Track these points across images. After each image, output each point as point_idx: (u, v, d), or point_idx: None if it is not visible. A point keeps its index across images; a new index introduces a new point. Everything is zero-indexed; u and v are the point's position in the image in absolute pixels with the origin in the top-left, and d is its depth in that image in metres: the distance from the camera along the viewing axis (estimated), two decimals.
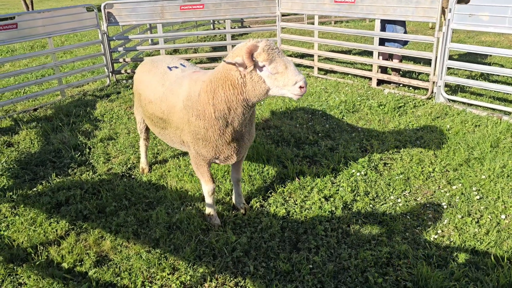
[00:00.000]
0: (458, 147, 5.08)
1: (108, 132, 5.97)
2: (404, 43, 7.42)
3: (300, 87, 2.89)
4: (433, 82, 6.67)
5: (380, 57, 7.53)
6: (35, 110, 7.12)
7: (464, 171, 4.61)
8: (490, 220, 3.78)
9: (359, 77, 8.13)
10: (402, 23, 7.22)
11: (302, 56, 9.71)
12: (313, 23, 8.96)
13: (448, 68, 6.52)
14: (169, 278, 3.19)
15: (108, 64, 8.70)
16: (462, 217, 3.83)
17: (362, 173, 4.59)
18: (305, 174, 4.56)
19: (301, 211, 3.94)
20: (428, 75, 6.93)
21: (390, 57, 7.64)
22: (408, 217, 3.88)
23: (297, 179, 4.48)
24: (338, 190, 4.28)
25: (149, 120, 4.10)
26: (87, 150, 5.43)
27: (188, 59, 9.28)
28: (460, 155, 4.89)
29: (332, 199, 4.13)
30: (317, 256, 3.36)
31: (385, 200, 4.15)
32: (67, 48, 10.00)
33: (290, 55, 9.80)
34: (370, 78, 7.78)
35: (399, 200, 4.11)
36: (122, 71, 9.08)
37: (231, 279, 3.17)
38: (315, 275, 3.17)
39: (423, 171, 4.65)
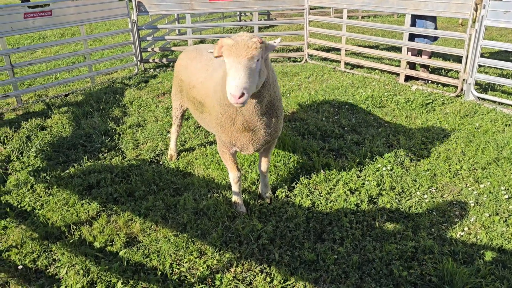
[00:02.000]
0: (487, 145, 5.01)
1: (136, 119, 6.11)
2: (434, 39, 7.31)
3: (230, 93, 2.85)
4: (463, 80, 6.56)
5: (409, 53, 7.44)
6: (66, 95, 7.32)
7: (493, 170, 4.55)
8: None
9: (387, 72, 8.05)
10: (433, 19, 7.11)
11: (329, 50, 9.67)
12: (339, 17, 8.90)
13: (479, 66, 6.38)
14: (196, 262, 3.28)
15: (136, 53, 8.86)
16: (490, 215, 3.80)
17: (388, 168, 4.58)
18: (331, 167, 4.58)
19: (326, 203, 3.97)
20: (458, 72, 6.81)
21: (419, 53, 7.53)
22: (434, 213, 3.87)
23: (322, 171, 4.50)
24: (363, 184, 4.29)
25: (192, 104, 4.20)
26: (117, 136, 5.58)
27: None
28: (489, 154, 4.82)
29: (357, 192, 4.15)
30: (342, 247, 3.39)
31: (411, 195, 4.14)
32: (97, 36, 10.21)
33: (316, 49, 9.76)
34: (397, 74, 7.70)
35: (425, 196, 4.10)
36: (150, 60, 9.22)
37: (257, 265, 3.23)
38: (340, 265, 3.21)
39: (450, 168, 4.61)
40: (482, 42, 6.14)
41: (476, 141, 5.14)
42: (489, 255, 3.30)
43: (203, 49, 4.29)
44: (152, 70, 8.92)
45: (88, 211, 3.95)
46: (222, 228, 3.62)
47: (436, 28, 7.23)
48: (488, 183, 4.31)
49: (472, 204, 3.98)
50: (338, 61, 8.68)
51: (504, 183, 4.30)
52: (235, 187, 3.86)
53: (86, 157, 4.96)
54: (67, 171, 4.68)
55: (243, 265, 3.24)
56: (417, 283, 3.04)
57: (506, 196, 4.08)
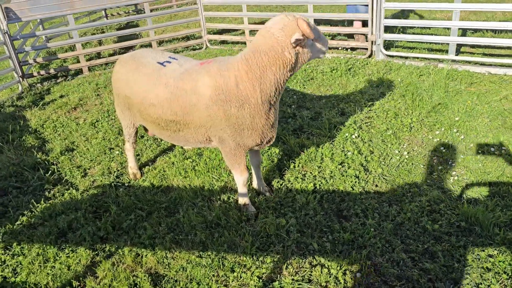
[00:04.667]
0: (420, 97, 5.56)
1: (63, 143, 5.27)
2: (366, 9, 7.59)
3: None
4: (372, 42, 7.12)
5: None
6: None
7: (437, 117, 5.08)
8: (484, 152, 4.27)
9: None
10: None
11: (229, 31, 9.54)
12: None
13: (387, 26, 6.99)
14: (243, 277, 3.03)
15: (16, 67, 7.55)
16: (463, 156, 4.26)
17: (356, 135, 4.79)
18: (307, 146, 4.60)
19: (326, 181, 3.99)
20: (366, 35, 7.35)
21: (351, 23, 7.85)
22: (421, 166, 4.19)
23: (302, 152, 4.49)
24: (346, 154, 4.42)
25: (153, 125, 3.67)
26: (53, 167, 4.74)
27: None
28: (426, 104, 5.36)
29: (346, 164, 4.25)
30: (368, 219, 3.46)
31: (390, 156, 4.40)
32: None
33: (215, 33, 9.55)
34: None
35: (405, 154, 4.40)
36: (35, 74, 7.97)
37: (303, 260, 3.12)
38: (379, 236, 3.28)
39: (403, 123, 5.00)
40: (385, 5, 6.70)
41: (409, 94, 5.66)
42: (485, 190, 3.71)
43: (143, 58, 3.72)
44: (39, 85, 7.73)
45: (80, 260, 3.32)
46: (248, 234, 3.39)
47: None
48: (443, 128, 4.81)
49: (443, 150, 4.41)
50: (244, 43, 8.63)
51: (452, 125, 4.84)
52: (243, 189, 3.63)
53: (32, 200, 4.12)
54: (18, 222, 3.84)
55: (291, 264, 3.10)
56: (451, 231, 3.28)
57: (462, 137, 4.61)
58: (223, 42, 9.22)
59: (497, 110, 5.06)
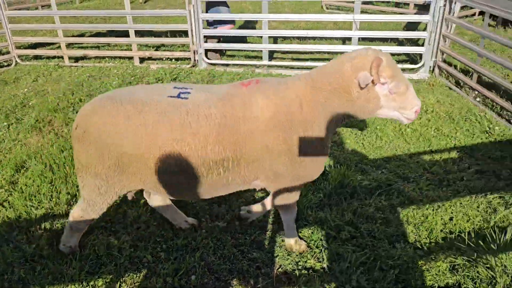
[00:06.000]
0: None
1: None
2: (232, 22, 7.67)
3: (416, 111, 2.74)
4: (194, 51, 7.37)
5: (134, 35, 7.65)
6: None
7: None
8: None
9: (119, 58, 8.04)
10: (225, 3, 7.45)
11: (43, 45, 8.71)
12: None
13: (205, 36, 7.30)
14: None
15: None
16: None
17: None
18: None
19: None
20: (188, 45, 7.55)
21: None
22: None
23: None
24: None
25: (178, 179, 2.80)
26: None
27: None
28: None
29: None
30: (202, 221, 3.58)
31: None
32: None
33: (27, 47, 8.60)
34: (131, 58, 7.83)
35: None
36: None
37: (138, 275, 3.06)
38: (211, 236, 3.41)
39: None
40: (202, 16, 7.01)
41: None
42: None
43: (137, 95, 2.79)
44: None
45: None
46: (76, 260, 3.15)
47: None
48: None
49: None
50: (60, 57, 8.01)
51: None
52: (294, 225, 3.27)
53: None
54: None
55: (125, 282, 3.00)
56: (274, 220, 3.62)
57: None
58: (36, 57, 8.39)
59: None
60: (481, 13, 9.73)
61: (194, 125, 2.67)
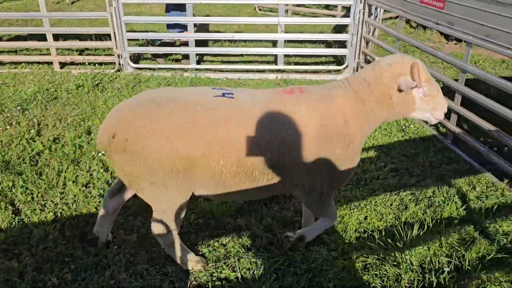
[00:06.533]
0: None
1: None
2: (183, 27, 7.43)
3: (444, 111, 2.86)
4: (118, 55, 7.09)
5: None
6: None
7: None
8: None
9: (37, 63, 7.55)
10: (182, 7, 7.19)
11: None
12: None
13: (130, 40, 7.05)
14: None
15: None
16: None
17: (103, 152, 4.67)
18: (47, 173, 4.23)
19: (69, 207, 3.75)
20: (111, 49, 7.25)
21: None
22: None
23: (41, 180, 4.11)
24: (92, 174, 4.25)
25: (235, 179, 2.73)
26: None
27: None
28: None
29: (91, 185, 4.10)
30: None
31: None
32: None
33: None
34: (51, 63, 7.40)
35: None
36: None
37: None
38: (124, 252, 3.26)
39: None
40: (124, 18, 6.76)
41: None
42: None
43: (179, 95, 2.69)
44: None
45: None
46: None
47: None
48: None
49: None
50: None
51: None
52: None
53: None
54: None
55: None
56: (191, 230, 3.52)
57: None
58: None
59: None
60: None
61: (248, 126, 2.62)
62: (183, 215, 2.91)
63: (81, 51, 8.27)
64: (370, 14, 6.87)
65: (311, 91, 2.84)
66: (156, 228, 2.87)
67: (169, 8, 7.25)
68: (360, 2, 6.56)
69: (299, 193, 2.97)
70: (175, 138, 2.53)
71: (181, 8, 7.15)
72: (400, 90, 2.66)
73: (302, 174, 2.80)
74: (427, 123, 5.34)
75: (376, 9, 7.52)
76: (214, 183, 2.73)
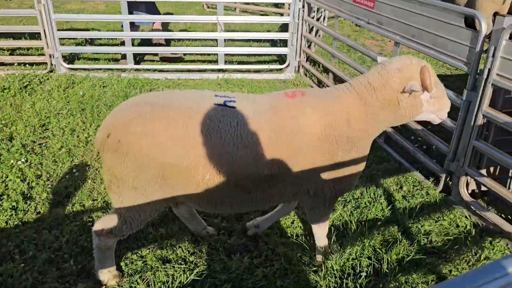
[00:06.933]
0: (99, 109, 5.56)
1: None
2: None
3: (447, 112, 2.86)
4: (50, 55, 6.71)
5: None
6: None
7: None
8: None
9: None
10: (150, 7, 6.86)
11: None
12: None
13: (65, 38, 6.68)
14: None
15: None
16: None
17: (23, 160, 4.38)
18: None
19: None
20: (42, 48, 6.85)
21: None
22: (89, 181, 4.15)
23: None
24: (7, 185, 3.96)
25: (224, 192, 2.61)
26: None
27: None
28: (104, 115, 5.40)
29: (5, 196, 3.82)
30: (26, 253, 3.18)
31: (60, 176, 4.20)
32: None
33: None
34: None
35: (74, 171, 4.26)
36: None
37: None
38: (32, 270, 3.04)
39: (79, 138, 4.89)
40: (55, 16, 6.40)
41: (88, 108, 5.58)
42: None
43: (180, 101, 2.58)
44: None
45: None
46: None
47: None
48: None
49: None
50: None
51: None
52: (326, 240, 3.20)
53: None
54: None
55: None
56: None
57: None
58: None
59: None
60: None
61: (245, 137, 2.50)
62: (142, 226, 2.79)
63: (12, 51, 7.78)
64: (311, 13, 6.85)
65: (314, 95, 2.79)
66: (105, 228, 2.72)
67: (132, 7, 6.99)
68: (300, 1, 6.52)
69: (303, 199, 2.93)
70: (165, 145, 2.46)
71: (138, 7, 6.98)
72: (409, 95, 2.63)
73: (305, 180, 2.73)
74: None
75: (320, 9, 7.54)
76: (198, 196, 2.62)
